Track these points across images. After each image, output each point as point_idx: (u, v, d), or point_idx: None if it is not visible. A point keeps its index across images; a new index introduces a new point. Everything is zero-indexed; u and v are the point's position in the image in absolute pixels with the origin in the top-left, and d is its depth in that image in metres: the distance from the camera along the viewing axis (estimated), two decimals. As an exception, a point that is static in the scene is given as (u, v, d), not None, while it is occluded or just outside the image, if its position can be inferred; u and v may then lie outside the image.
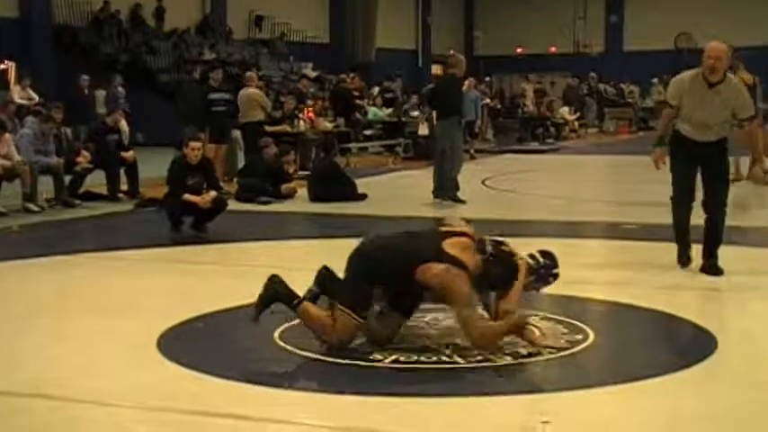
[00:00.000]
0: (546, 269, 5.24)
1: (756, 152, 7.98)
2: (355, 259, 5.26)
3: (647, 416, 4.16)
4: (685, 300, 6.37)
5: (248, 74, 15.85)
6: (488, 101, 23.62)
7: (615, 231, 9.51)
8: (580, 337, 5.29)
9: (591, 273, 7.12)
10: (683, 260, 7.36)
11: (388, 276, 5.11)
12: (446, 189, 11.93)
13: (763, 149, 11.75)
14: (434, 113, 12.63)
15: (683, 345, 4.81)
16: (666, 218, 10.16)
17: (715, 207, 7.17)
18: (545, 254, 5.32)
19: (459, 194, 11.97)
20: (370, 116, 20.59)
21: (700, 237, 7.24)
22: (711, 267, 7.08)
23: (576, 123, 27.31)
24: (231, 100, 13.95)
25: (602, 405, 4.29)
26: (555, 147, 23.12)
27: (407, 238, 5.32)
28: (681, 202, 7.30)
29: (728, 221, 7.25)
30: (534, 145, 23.16)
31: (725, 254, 7.75)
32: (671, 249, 7.47)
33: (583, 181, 15.05)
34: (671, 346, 4.85)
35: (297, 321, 5.72)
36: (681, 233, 7.38)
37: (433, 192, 12.09)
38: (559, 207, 11.84)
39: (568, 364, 4.90)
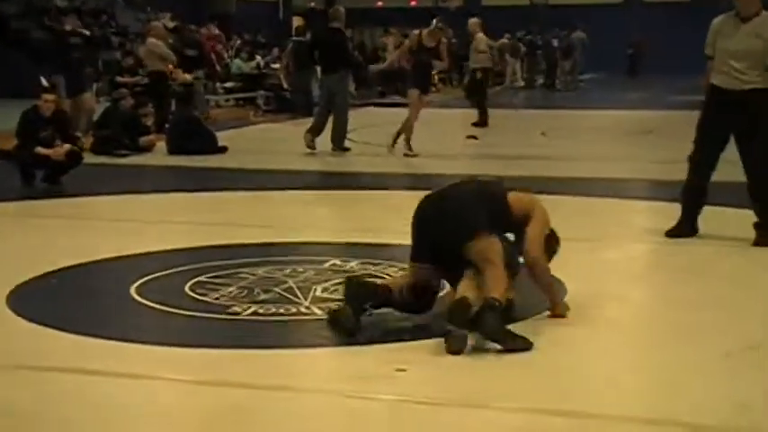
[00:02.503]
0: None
1: None
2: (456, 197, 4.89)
3: (500, 360, 4.29)
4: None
5: (152, 23, 15.77)
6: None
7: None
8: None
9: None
10: (680, 229, 6.66)
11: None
12: (340, 140, 12.26)
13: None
14: (318, 67, 12.78)
15: (536, 292, 4.96)
16: (523, 170, 10.53)
17: (754, 168, 6.47)
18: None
19: (315, 144, 12.26)
20: (233, 69, 20.29)
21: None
22: (758, 240, 6.42)
23: (437, 77, 27.56)
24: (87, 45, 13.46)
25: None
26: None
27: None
28: (696, 161, 6.57)
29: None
30: (396, 98, 23.29)
31: (573, 204, 8.07)
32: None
33: (442, 134, 15.26)
34: (524, 293, 5.00)
35: (153, 276, 5.69)
36: (685, 196, 6.67)
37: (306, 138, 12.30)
38: (418, 160, 11.99)
39: (425, 314, 5.00)
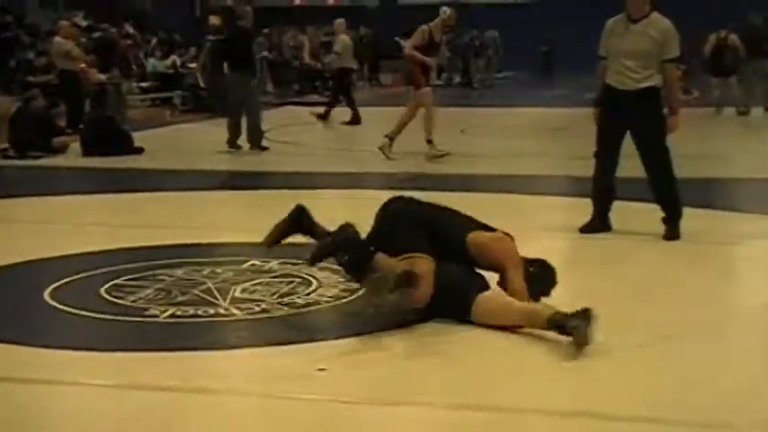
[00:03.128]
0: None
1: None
2: (403, 213, 4.97)
3: (418, 357, 4.35)
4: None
5: (60, 22, 15.53)
6: (267, 53, 23.46)
7: (392, 181, 9.72)
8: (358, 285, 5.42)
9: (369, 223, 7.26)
10: (593, 225, 6.78)
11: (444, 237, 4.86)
12: (257, 139, 12.15)
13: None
14: (226, 65, 12.56)
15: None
16: (442, 167, 10.60)
17: (654, 165, 6.62)
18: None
19: (240, 143, 12.17)
20: (149, 68, 20.01)
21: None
22: (667, 234, 6.59)
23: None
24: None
25: (375, 350, 4.42)
26: (334, 99, 23.28)
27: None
28: (600, 158, 6.73)
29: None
30: (313, 97, 23.24)
31: (489, 201, 8.15)
32: (444, 198, 7.71)
33: (360, 132, 15.30)
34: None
35: (68, 280, 5.58)
36: (595, 193, 6.80)
37: (228, 142, 12.15)
38: (339, 158, 12.00)
39: (344, 313, 5.01)
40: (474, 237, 4.91)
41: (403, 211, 4.99)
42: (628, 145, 6.75)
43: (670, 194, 6.67)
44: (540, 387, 4.04)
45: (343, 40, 16.43)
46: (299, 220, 4.93)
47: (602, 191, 6.82)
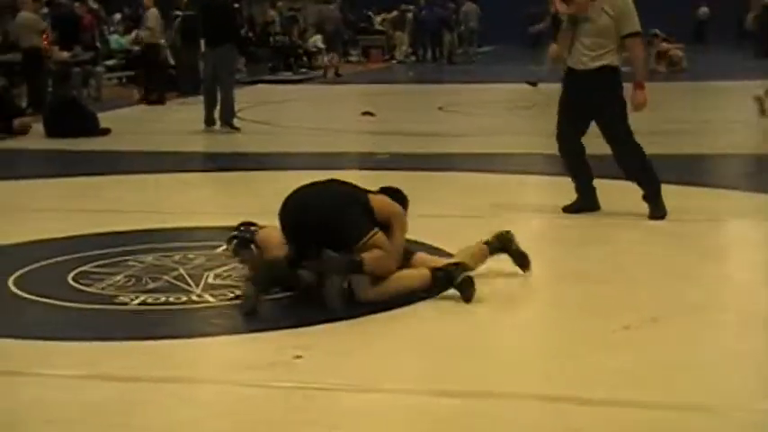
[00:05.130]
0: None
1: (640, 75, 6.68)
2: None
3: (397, 342, 4.23)
4: (427, 226, 6.25)
5: None
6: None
7: (370, 162, 9.54)
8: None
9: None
10: (577, 204, 6.67)
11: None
12: (229, 116, 11.93)
13: None
14: (203, 40, 12.35)
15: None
16: (419, 146, 10.43)
17: (617, 146, 6.52)
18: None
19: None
20: (112, 45, 19.66)
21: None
22: (651, 213, 6.47)
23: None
24: None
25: (354, 335, 4.31)
26: (309, 76, 23.06)
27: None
28: (561, 138, 6.64)
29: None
30: (287, 74, 22.99)
31: (468, 180, 7.99)
32: (421, 178, 7.55)
33: (338, 111, 15.09)
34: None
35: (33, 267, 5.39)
36: (570, 174, 6.73)
37: (206, 120, 11.97)
38: (316, 138, 11.80)
39: (320, 299, 4.83)
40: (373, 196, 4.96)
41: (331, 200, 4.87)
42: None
43: (640, 173, 6.53)
44: (519, 371, 3.92)
45: (153, 13, 16.10)
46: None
47: (579, 170, 6.67)
